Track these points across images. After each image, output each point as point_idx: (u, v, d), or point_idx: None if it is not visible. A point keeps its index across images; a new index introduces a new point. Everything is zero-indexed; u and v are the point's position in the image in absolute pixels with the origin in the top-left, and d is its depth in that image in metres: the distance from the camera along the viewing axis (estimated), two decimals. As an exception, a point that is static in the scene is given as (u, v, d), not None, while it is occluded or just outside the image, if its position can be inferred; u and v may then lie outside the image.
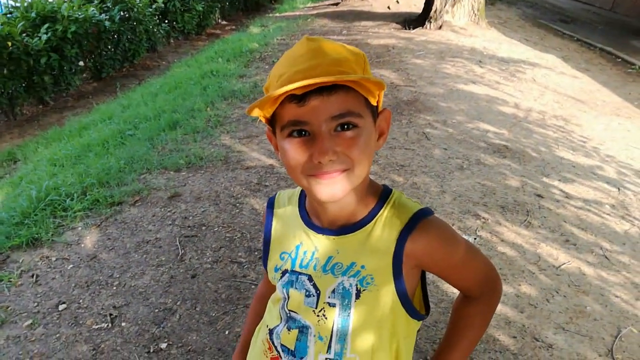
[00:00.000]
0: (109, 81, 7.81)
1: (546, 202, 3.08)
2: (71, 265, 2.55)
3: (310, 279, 0.89)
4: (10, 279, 2.45)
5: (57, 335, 2.12)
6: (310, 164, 0.77)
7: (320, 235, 0.90)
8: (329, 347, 0.89)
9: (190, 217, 2.92)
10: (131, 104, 5.31)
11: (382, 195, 0.89)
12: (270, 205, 1.02)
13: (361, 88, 0.76)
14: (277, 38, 7.32)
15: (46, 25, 6.38)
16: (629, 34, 8.94)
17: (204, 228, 2.82)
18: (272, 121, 0.83)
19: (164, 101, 4.98)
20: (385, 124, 0.86)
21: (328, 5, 10.42)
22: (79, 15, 6.83)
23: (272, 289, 1.01)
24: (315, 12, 9.63)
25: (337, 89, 0.74)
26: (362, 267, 0.86)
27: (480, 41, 6.94)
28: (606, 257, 2.61)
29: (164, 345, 2.05)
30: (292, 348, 0.92)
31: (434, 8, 7.45)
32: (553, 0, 11.61)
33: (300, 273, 0.91)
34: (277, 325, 0.96)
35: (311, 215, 0.93)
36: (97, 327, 2.16)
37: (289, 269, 0.93)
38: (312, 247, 0.90)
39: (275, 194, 1.03)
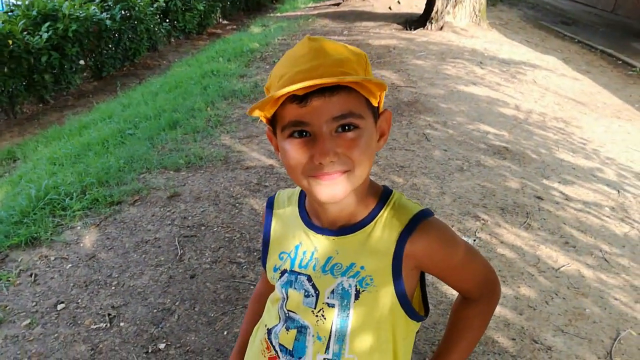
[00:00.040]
0: (109, 80, 7.81)
1: (546, 204, 3.08)
2: (70, 265, 2.55)
3: (309, 279, 0.89)
4: (9, 278, 2.44)
5: (56, 335, 2.11)
6: (311, 165, 0.77)
7: (320, 236, 0.90)
8: (328, 347, 0.89)
9: (190, 217, 2.92)
10: (131, 103, 5.31)
11: (382, 196, 0.89)
12: (270, 205, 1.01)
13: (362, 89, 0.75)
14: (278, 38, 7.32)
15: (47, 24, 6.39)
16: (630, 36, 8.94)
17: (203, 228, 2.82)
18: (272, 121, 0.82)
19: (164, 100, 4.98)
20: (386, 124, 0.86)
21: (329, 5, 10.42)
22: (80, 13, 6.83)
23: (270, 288, 1.01)
24: (316, 12, 9.63)
25: (339, 90, 0.73)
26: (362, 267, 0.86)
27: (481, 42, 6.94)
28: (605, 260, 2.61)
29: (162, 346, 2.05)
30: (290, 348, 0.92)
31: (435, 9, 7.45)
32: (554, 2, 11.61)
33: (299, 273, 0.91)
34: (276, 325, 0.96)
35: (311, 216, 0.93)
36: (95, 327, 2.15)
37: (288, 269, 0.92)
38: (311, 247, 0.90)
39: (275, 194, 1.03)
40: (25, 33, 6.14)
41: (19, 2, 6.59)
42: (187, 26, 10.16)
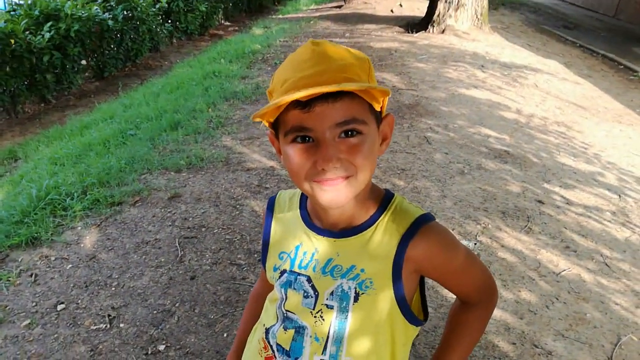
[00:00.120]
0: (111, 80, 7.82)
1: (547, 208, 3.07)
2: (70, 265, 2.55)
3: (309, 280, 0.89)
4: (9, 278, 2.44)
5: (55, 335, 2.11)
6: (314, 170, 0.77)
7: (320, 237, 0.90)
8: (325, 348, 0.89)
9: (190, 218, 2.91)
10: (133, 104, 5.31)
11: (383, 199, 0.90)
12: (270, 207, 1.01)
13: (366, 95, 0.76)
14: (279, 40, 7.33)
15: (49, 24, 6.40)
16: (631, 40, 8.94)
17: (203, 229, 2.82)
18: (275, 125, 0.82)
19: (165, 101, 4.99)
20: (389, 129, 0.86)
21: (331, 7, 10.44)
22: (82, 13, 6.85)
23: (269, 288, 1.01)
24: (318, 14, 9.64)
25: (342, 96, 0.74)
26: (362, 270, 0.86)
27: (482, 46, 6.94)
28: (606, 264, 2.60)
29: (162, 347, 2.05)
30: (288, 348, 0.92)
31: (437, 12, 7.46)
32: (556, 6, 11.63)
33: (299, 274, 0.91)
34: (274, 325, 0.96)
35: (312, 217, 0.93)
36: (95, 327, 2.15)
37: (288, 269, 0.93)
38: (312, 248, 0.90)
39: (276, 195, 1.03)
40: (27, 33, 6.14)
41: (22, 2, 6.60)
42: (189, 27, 10.18)
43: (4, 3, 7.91)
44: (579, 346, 2.07)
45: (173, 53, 9.55)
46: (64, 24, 6.51)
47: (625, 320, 2.23)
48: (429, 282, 2.08)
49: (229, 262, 2.55)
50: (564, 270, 2.53)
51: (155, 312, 2.24)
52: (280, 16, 10.75)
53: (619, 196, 3.34)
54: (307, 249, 0.91)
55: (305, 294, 0.89)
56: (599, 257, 2.66)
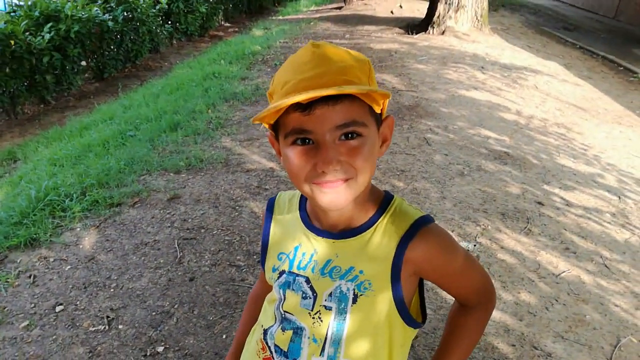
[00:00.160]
0: (110, 81, 7.82)
1: (546, 210, 3.07)
2: (69, 267, 2.55)
3: (307, 281, 0.89)
4: (8, 279, 2.44)
5: (54, 337, 2.11)
6: (314, 173, 0.77)
7: (319, 238, 0.90)
8: (323, 350, 0.88)
9: (190, 220, 2.91)
10: (132, 105, 5.31)
11: (383, 201, 0.90)
12: (270, 208, 1.01)
13: (366, 97, 0.75)
14: (279, 41, 7.34)
15: (49, 25, 6.40)
16: (631, 42, 8.95)
17: (203, 231, 2.81)
18: (275, 126, 0.82)
19: (165, 102, 4.99)
20: (389, 131, 0.86)
21: (331, 9, 10.45)
22: (82, 15, 6.85)
23: (268, 289, 1.01)
24: (318, 15, 9.65)
25: (342, 99, 0.73)
26: (361, 272, 0.86)
27: (482, 47, 6.95)
28: (606, 266, 2.60)
29: (160, 349, 2.04)
30: (285, 349, 0.92)
31: (437, 13, 7.47)
32: (556, 8, 11.64)
33: (297, 274, 0.91)
34: (272, 326, 0.96)
35: (312, 218, 0.93)
36: (93, 329, 2.15)
37: (287, 270, 0.92)
38: (311, 249, 0.90)
39: (275, 196, 1.03)
40: (27, 34, 6.14)
41: (22, 3, 6.61)
42: (189, 28, 10.19)
43: (4, 4, 7.91)
44: (579, 348, 2.07)
45: (173, 54, 9.56)
46: (64, 25, 6.51)
47: (624, 322, 2.23)
48: (428, 283, 2.08)
49: (228, 263, 2.55)
50: (564, 271, 2.53)
51: (154, 313, 2.23)
52: (280, 17, 10.76)
53: (619, 198, 3.34)
54: (306, 249, 0.91)
55: (304, 295, 0.89)
56: (598, 259, 2.65)
